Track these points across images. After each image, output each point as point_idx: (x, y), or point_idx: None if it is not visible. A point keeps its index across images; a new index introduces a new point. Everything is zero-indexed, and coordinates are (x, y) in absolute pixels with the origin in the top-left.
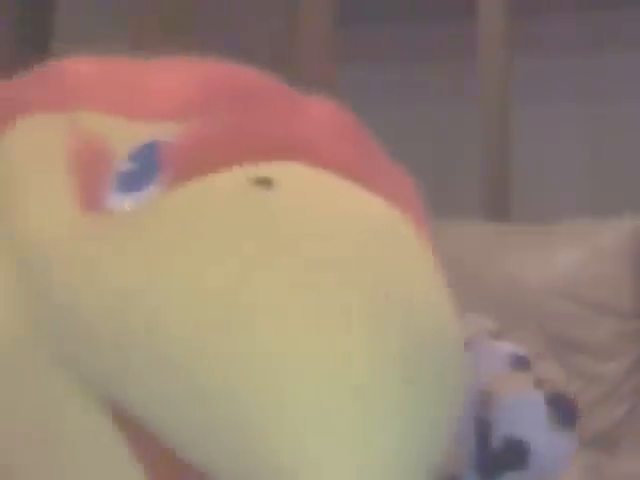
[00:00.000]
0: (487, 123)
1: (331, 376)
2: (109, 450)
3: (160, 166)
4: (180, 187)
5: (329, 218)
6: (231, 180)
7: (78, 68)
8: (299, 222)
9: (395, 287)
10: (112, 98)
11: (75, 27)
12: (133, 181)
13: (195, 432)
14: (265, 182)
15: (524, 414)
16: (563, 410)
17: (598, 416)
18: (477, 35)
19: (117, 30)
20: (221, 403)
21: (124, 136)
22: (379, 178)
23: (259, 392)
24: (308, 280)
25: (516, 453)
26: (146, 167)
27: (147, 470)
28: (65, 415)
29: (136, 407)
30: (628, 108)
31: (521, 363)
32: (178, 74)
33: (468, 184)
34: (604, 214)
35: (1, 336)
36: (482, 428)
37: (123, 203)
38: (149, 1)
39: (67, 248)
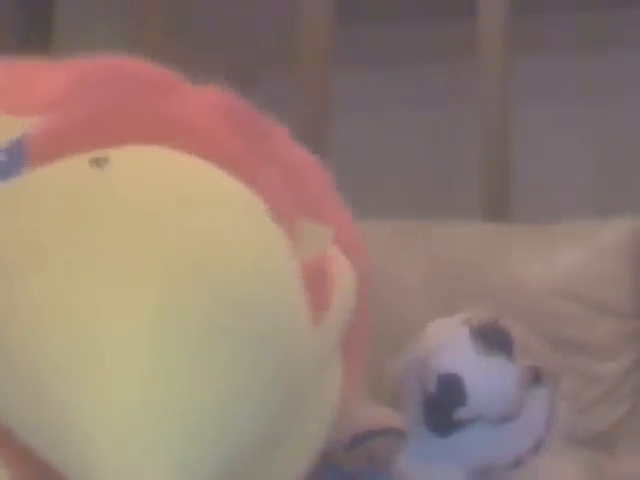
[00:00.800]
0: (487, 123)
1: (127, 342)
2: None
3: (26, 155)
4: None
5: (149, 191)
6: (73, 162)
7: None
8: (118, 195)
9: (199, 252)
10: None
11: (75, 27)
12: (4, 171)
13: (26, 414)
14: (100, 161)
15: (449, 349)
16: (489, 337)
17: (598, 416)
18: (477, 35)
19: (117, 30)
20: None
21: (4, 130)
22: (262, 166)
23: (69, 375)
24: (110, 262)
25: (451, 387)
26: (15, 158)
27: (9, 467)
28: None
29: None
30: (628, 108)
31: (467, 321)
32: (60, 70)
33: (468, 184)
34: (605, 214)
35: None
36: (421, 383)
37: None
38: (149, 1)
39: None
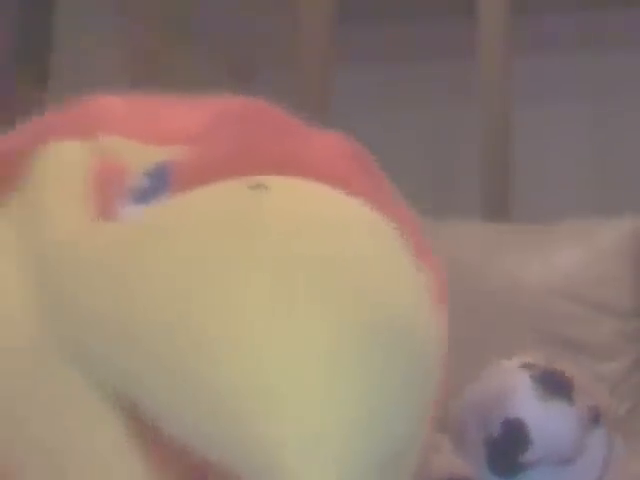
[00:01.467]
0: (487, 123)
1: (301, 353)
2: (116, 442)
3: (169, 181)
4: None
5: (310, 217)
6: (228, 185)
7: (105, 102)
8: (282, 219)
9: (362, 280)
10: (133, 127)
11: (75, 28)
12: (146, 194)
13: (188, 414)
14: (258, 186)
15: (512, 395)
16: (550, 382)
17: None
18: (477, 35)
19: (117, 30)
20: (214, 389)
21: (141, 157)
22: (383, 202)
23: (247, 378)
24: (281, 274)
25: (515, 433)
26: (157, 182)
27: (150, 465)
28: (79, 412)
29: (142, 400)
30: (628, 108)
31: (527, 366)
32: (195, 107)
33: (468, 184)
34: (605, 214)
35: (20, 336)
36: (484, 428)
37: (135, 212)
38: (149, 1)
39: (79, 253)
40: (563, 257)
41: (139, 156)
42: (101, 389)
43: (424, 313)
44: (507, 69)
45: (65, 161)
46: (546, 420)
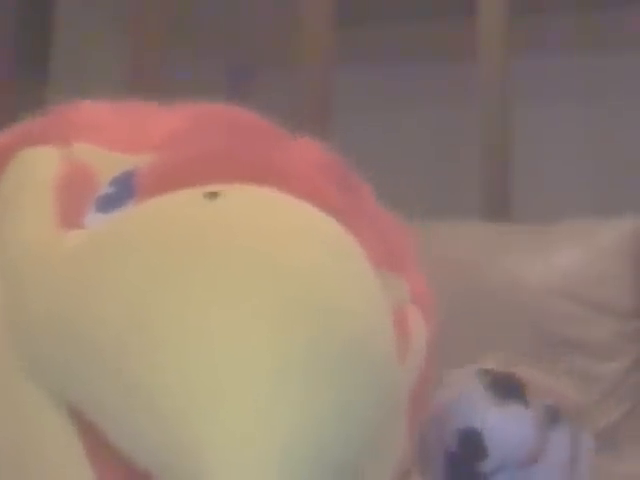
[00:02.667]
0: (487, 123)
1: (246, 359)
2: (68, 451)
3: (135, 189)
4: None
5: (264, 225)
6: (184, 194)
7: (84, 109)
8: (233, 227)
9: (313, 290)
10: (108, 134)
11: (75, 27)
12: (111, 203)
13: (130, 423)
14: (214, 194)
15: (465, 405)
16: (502, 387)
17: (598, 416)
18: (477, 35)
19: (117, 30)
20: (153, 399)
21: (111, 165)
22: (356, 215)
23: (179, 387)
24: (226, 282)
25: (471, 442)
26: (123, 191)
27: (96, 469)
28: (33, 418)
29: (89, 409)
30: (628, 108)
31: (480, 372)
32: (170, 113)
33: (468, 184)
34: (604, 214)
35: None
36: (442, 441)
37: (98, 221)
38: (149, 1)
39: (38, 261)
40: (563, 257)
41: (109, 164)
42: (55, 400)
43: (384, 336)
44: (507, 69)
45: (36, 167)
46: (501, 426)
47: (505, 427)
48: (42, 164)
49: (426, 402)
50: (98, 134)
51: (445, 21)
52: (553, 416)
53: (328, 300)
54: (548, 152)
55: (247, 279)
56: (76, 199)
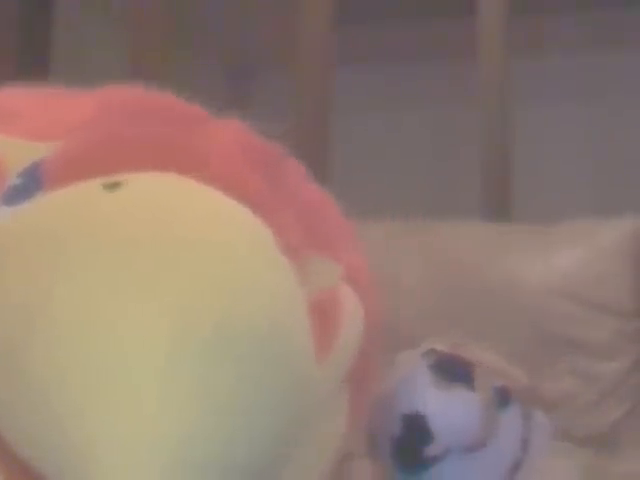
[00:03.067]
0: (487, 123)
1: (134, 363)
2: None
3: (42, 180)
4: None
5: (160, 215)
6: (84, 185)
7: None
8: (130, 217)
9: (211, 279)
10: (21, 123)
11: (75, 27)
12: (18, 194)
13: (27, 425)
14: (114, 185)
15: (410, 387)
16: (448, 370)
17: (598, 416)
18: (477, 35)
19: (117, 30)
20: (41, 404)
21: (22, 155)
22: (276, 201)
23: (71, 393)
24: (120, 273)
25: (415, 427)
26: (30, 182)
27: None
28: None
29: None
30: (628, 108)
31: (427, 354)
32: (83, 99)
33: (468, 184)
34: (604, 214)
35: None
36: (388, 425)
37: (4, 214)
38: (149, 1)
39: None
40: (563, 257)
41: (20, 154)
42: None
43: (286, 320)
44: (507, 69)
45: None
46: (446, 409)
47: (450, 411)
48: None
49: (369, 380)
50: (12, 122)
51: (445, 21)
52: (503, 398)
53: (226, 296)
54: (548, 152)
55: (139, 273)
56: None
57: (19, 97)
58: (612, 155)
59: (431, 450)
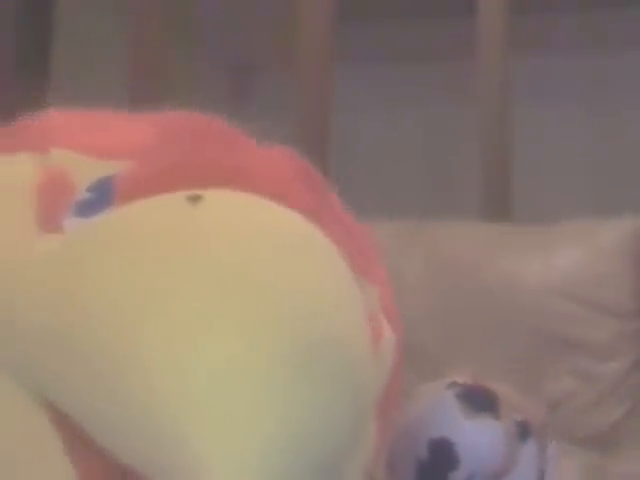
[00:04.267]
0: (487, 123)
1: (226, 370)
2: (47, 449)
3: (113, 195)
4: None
5: (241, 229)
6: (166, 197)
7: (56, 117)
8: (214, 231)
9: (291, 295)
10: (83, 141)
11: (75, 27)
12: (90, 207)
13: (116, 422)
14: (195, 198)
15: (437, 414)
16: (474, 399)
17: (598, 416)
18: (477, 35)
19: (117, 30)
20: (139, 399)
21: (88, 171)
22: (325, 218)
23: (167, 389)
24: (212, 287)
25: (442, 452)
26: (101, 196)
27: (78, 467)
28: (11, 417)
29: (69, 406)
30: (628, 108)
31: (452, 385)
32: (142, 121)
33: (468, 184)
34: (604, 214)
35: None
36: (412, 452)
37: (78, 226)
38: (149, 1)
39: (18, 265)
40: (563, 257)
41: (87, 170)
42: (34, 398)
43: (359, 336)
44: (506, 69)
45: (12, 174)
46: (472, 436)
47: (477, 438)
48: (19, 170)
49: (393, 408)
50: (73, 139)
51: (445, 21)
52: (523, 431)
53: (308, 307)
54: (548, 152)
55: (231, 289)
56: (55, 204)
57: (72, 118)
58: (612, 155)
59: (456, 476)
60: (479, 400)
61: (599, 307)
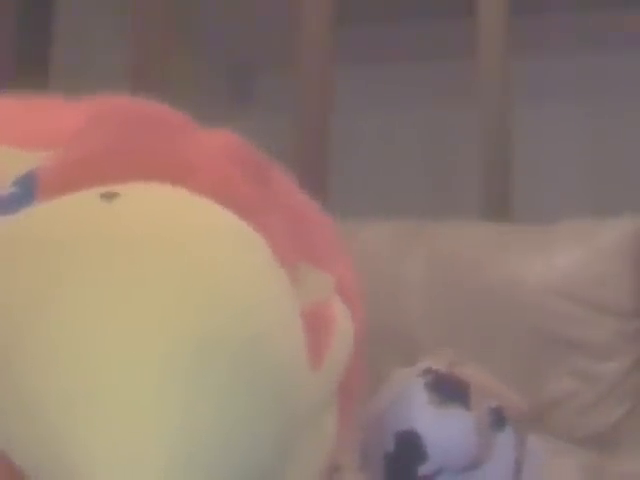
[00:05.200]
0: (487, 123)
1: (131, 361)
2: None
3: (37, 189)
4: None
5: (155, 224)
6: (81, 195)
7: None
8: (129, 227)
9: (203, 291)
10: (13, 131)
11: (75, 27)
12: (13, 203)
13: (11, 421)
14: (110, 195)
15: (404, 405)
16: (444, 389)
17: (598, 416)
18: (477, 35)
19: (117, 30)
20: (34, 415)
21: (16, 164)
22: (268, 212)
23: (61, 401)
24: (118, 281)
25: (409, 445)
26: (25, 190)
27: None
28: None
29: None
30: (628, 108)
31: (424, 373)
32: (72, 108)
33: (468, 184)
34: (604, 214)
35: None
36: (381, 442)
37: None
38: (150, 1)
39: None
40: (563, 257)
41: (14, 163)
42: None
43: (282, 329)
44: (507, 69)
45: None
46: (441, 428)
47: (446, 430)
48: None
49: (357, 394)
50: (5, 131)
51: (445, 21)
52: (498, 419)
53: (227, 303)
54: (548, 152)
55: (138, 285)
56: None
57: (9, 105)
58: (612, 155)
59: (425, 468)
60: (449, 390)
61: (599, 307)
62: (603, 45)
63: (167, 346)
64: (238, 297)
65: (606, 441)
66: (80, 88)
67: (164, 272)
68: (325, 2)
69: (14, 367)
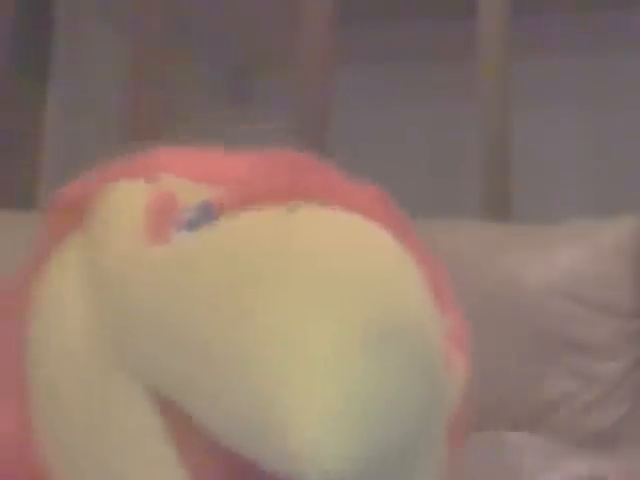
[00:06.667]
0: (487, 123)
1: (323, 347)
2: (155, 440)
3: (215, 213)
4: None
5: (340, 235)
6: (268, 209)
7: (162, 151)
8: (311, 237)
9: (378, 293)
10: (189, 169)
11: (75, 27)
12: (194, 224)
13: (214, 402)
14: (294, 207)
15: None
16: None
17: (598, 416)
18: (477, 35)
19: (117, 30)
20: (236, 375)
21: (192, 194)
22: (412, 252)
23: (266, 365)
24: (308, 287)
25: None
26: (204, 214)
27: (184, 459)
28: (122, 409)
29: (175, 393)
30: (628, 108)
31: None
32: (245, 155)
33: (468, 184)
34: (605, 214)
35: (79, 343)
36: None
37: (184, 238)
38: (149, 1)
39: (132, 269)
40: (563, 257)
41: (191, 193)
42: (145, 390)
43: (435, 333)
44: (507, 69)
45: (128, 196)
46: None
47: None
48: (135, 193)
49: (460, 439)
50: (178, 168)
51: (445, 21)
52: None
53: (397, 308)
54: (548, 152)
55: (330, 287)
56: (163, 220)
57: (178, 152)
58: (612, 155)
59: None
60: None
61: (599, 307)
62: (603, 45)
63: (359, 330)
64: (413, 300)
65: (606, 441)
66: (80, 89)
67: (352, 270)
68: (325, 2)
69: (244, 337)
